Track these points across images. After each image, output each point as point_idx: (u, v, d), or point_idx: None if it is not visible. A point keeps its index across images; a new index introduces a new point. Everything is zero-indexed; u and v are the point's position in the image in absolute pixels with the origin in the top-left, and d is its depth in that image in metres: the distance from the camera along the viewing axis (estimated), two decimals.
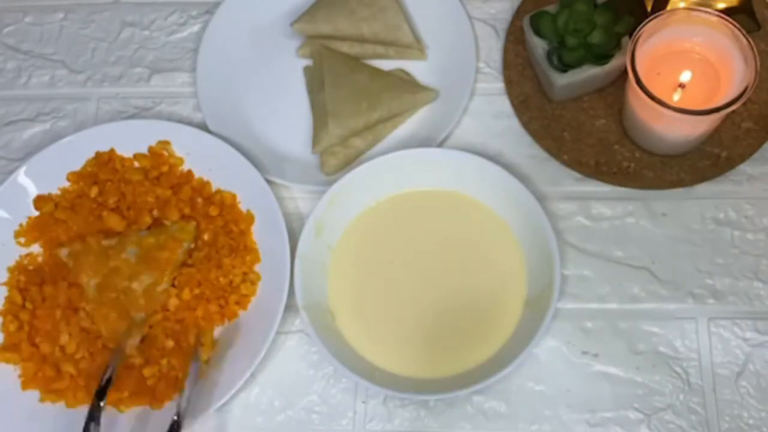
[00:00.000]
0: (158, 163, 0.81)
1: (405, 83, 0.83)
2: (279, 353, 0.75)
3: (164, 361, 0.74)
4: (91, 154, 0.82)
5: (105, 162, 0.81)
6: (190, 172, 0.81)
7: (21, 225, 0.80)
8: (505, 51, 0.83)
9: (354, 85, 0.81)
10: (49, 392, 0.74)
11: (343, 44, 0.85)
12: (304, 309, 0.72)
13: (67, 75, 0.89)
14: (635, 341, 0.73)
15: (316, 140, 0.80)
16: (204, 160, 0.81)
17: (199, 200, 0.79)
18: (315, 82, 0.84)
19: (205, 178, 0.81)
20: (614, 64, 0.75)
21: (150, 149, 0.81)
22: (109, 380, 0.71)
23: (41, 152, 0.81)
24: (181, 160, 0.81)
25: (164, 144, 0.81)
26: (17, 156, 0.85)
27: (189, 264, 0.77)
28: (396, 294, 0.76)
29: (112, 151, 0.82)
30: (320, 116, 0.81)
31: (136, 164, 0.81)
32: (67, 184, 0.81)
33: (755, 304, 0.74)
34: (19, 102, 0.88)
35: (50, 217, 0.79)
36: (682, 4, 0.75)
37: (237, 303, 0.76)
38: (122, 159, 0.82)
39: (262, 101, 0.85)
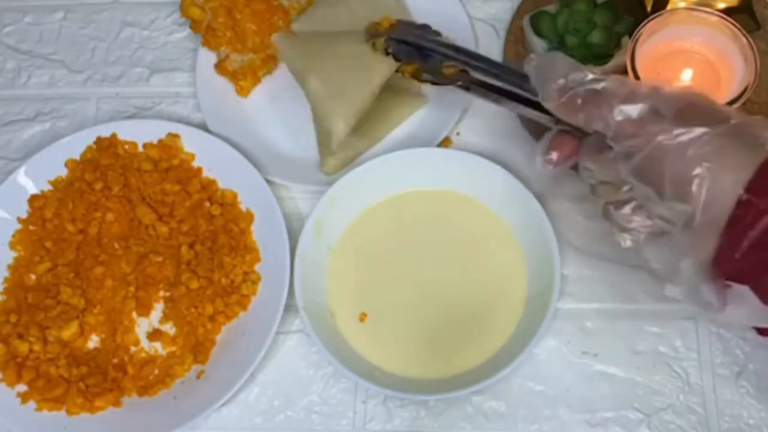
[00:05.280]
0: (169, 155, 0.81)
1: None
2: (279, 353, 0.75)
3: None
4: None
5: (106, 147, 0.81)
6: (200, 168, 0.81)
7: (15, 232, 0.80)
8: (505, 51, 0.83)
9: (339, 61, 0.78)
10: (47, 401, 0.74)
11: None
12: (304, 309, 0.72)
13: (66, 75, 0.89)
14: (635, 341, 0.73)
15: (324, 152, 0.79)
16: (204, 159, 0.81)
17: (206, 203, 0.79)
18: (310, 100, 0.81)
19: (211, 177, 0.81)
20: (614, 63, 0.75)
21: (160, 141, 0.81)
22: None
23: (41, 152, 0.81)
24: (192, 156, 0.81)
25: (174, 137, 0.81)
26: (17, 156, 0.85)
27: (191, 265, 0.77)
28: (396, 294, 0.76)
29: (114, 136, 0.81)
30: (322, 129, 0.79)
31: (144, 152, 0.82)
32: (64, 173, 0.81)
33: None
34: (19, 102, 0.88)
35: (39, 217, 0.79)
36: (682, 4, 0.75)
37: (237, 303, 0.76)
38: (125, 143, 0.81)
39: (262, 101, 0.85)
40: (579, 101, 0.58)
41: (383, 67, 0.76)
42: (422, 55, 0.75)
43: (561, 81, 0.59)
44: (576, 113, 0.59)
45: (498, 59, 0.84)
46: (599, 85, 0.57)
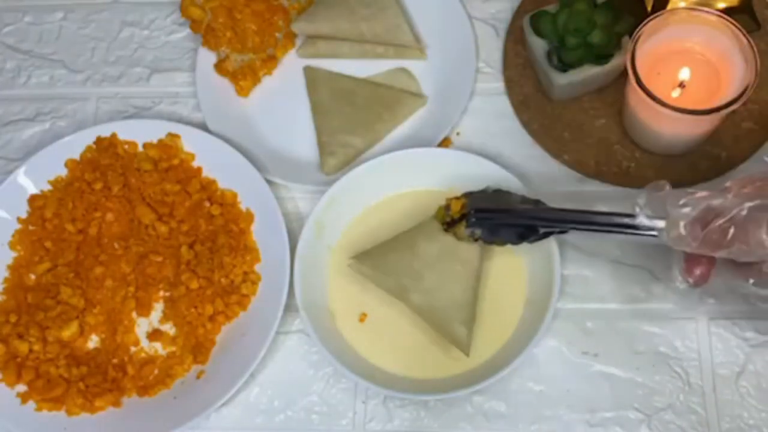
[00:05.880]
0: (169, 155, 0.81)
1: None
2: (279, 353, 0.75)
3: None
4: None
5: (105, 147, 0.81)
6: (199, 168, 0.81)
7: (15, 232, 0.80)
8: (505, 51, 0.83)
9: (429, 268, 0.73)
10: (47, 401, 0.74)
11: (343, 44, 0.85)
12: (304, 309, 0.72)
13: (66, 75, 0.89)
14: (635, 341, 0.73)
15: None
16: (204, 159, 0.81)
17: (206, 203, 0.79)
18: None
19: (210, 177, 0.81)
20: (614, 63, 0.75)
21: (160, 141, 0.81)
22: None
23: (41, 152, 0.81)
24: (192, 156, 0.81)
25: (174, 137, 0.81)
26: (17, 156, 0.85)
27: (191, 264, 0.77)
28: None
29: (113, 135, 0.81)
30: (442, 333, 0.73)
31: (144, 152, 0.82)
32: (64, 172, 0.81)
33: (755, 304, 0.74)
34: (19, 102, 0.88)
35: (39, 217, 0.79)
36: (682, 4, 0.75)
37: (237, 303, 0.76)
38: (124, 142, 0.81)
39: (262, 101, 0.85)
40: (730, 232, 0.53)
41: (474, 255, 0.72)
42: (509, 227, 0.70)
43: (688, 211, 0.54)
44: (721, 247, 0.54)
45: (499, 59, 0.84)
46: (742, 209, 0.53)
